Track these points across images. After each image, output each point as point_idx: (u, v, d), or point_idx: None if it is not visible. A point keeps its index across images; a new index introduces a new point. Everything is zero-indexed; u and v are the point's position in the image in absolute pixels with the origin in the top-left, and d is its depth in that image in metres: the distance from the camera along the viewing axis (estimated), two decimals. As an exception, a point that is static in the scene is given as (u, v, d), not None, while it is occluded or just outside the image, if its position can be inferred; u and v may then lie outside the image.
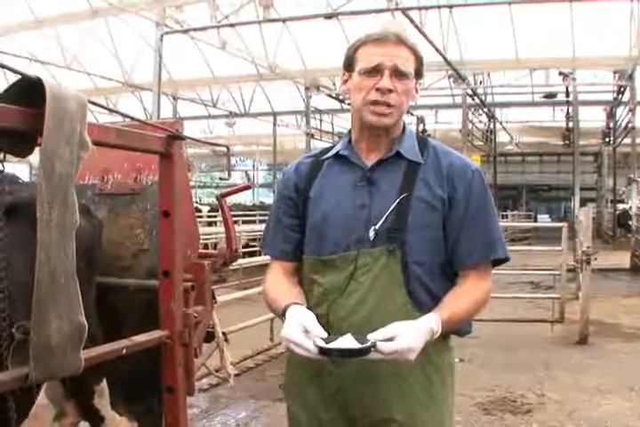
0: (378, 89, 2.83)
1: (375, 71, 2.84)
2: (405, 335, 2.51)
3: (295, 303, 2.82)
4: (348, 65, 3.00)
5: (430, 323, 2.63)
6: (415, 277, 2.86)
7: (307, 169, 3.13)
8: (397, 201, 2.85)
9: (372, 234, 2.85)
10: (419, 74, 2.92)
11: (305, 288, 3.07)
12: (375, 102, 2.86)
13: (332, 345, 2.51)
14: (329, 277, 2.93)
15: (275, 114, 41.64)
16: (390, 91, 2.83)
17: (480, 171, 3.00)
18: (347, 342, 2.53)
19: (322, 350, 2.52)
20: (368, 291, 2.86)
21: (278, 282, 3.10)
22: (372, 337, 2.52)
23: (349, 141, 3.08)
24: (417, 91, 2.95)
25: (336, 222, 2.94)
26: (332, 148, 3.17)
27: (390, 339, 2.51)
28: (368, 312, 2.85)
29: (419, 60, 2.90)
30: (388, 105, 2.86)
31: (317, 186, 3.05)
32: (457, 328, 2.91)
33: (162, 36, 22.89)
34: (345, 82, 3.01)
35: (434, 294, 2.88)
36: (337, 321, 2.88)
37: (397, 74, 2.83)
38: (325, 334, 2.60)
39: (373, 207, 2.89)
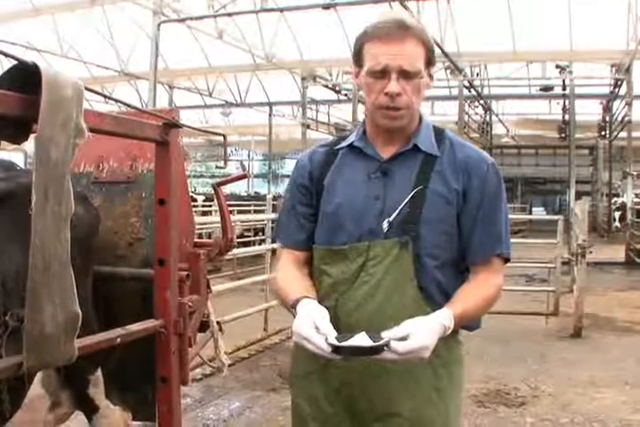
0: (386, 93, 2.78)
1: (382, 73, 2.78)
2: (419, 334, 2.49)
3: (306, 297, 2.78)
4: (356, 60, 2.91)
5: (443, 319, 2.60)
6: (427, 270, 2.83)
7: (321, 158, 3.09)
8: (412, 194, 2.82)
9: (385, 226, 2.82)
10: (430, 62, 2.85)
11: (314, 279, 3.03)
12: (385, 107, 2.82)
13: (346, 343, 2.48)
14: (339, 267, 2.90)
15: (271, 104, 41.58)
16: (399, 94, 2.78)
17: (495, 165, 2.97)
18: (360, 340, 2.48)
19: (335, 348, 2.48)
20: (378, 283, 2.83)
21: (290, 273, 3.05)
22: (385, 335, 2.47)
23: (364, 132, 3.04)
24: (432, 78, 2.90)
25: (349, 213, 2.90)
26: (345, 137, 3.13)
27: (404, 338, 2.47)
28: (378, 305, 2.83)
29: (428, 49, 2.82)
30: (399, 109, 2.82)
31: (331, 176, 3.01)
32: (467, 323, 2.89)
33: (159, 25, 22.80)
34: (356, 75, 2.94)
35: (444, 289, 2.86)
36: (345, 314, 2.85)
37: (405, 75, 2.76)
38: (335, 333, 2.55)
39: (387, 199, 2.86)
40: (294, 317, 2.70)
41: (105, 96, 3.04)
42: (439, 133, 2.99)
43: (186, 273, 3.51)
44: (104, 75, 32.56)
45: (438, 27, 25.61)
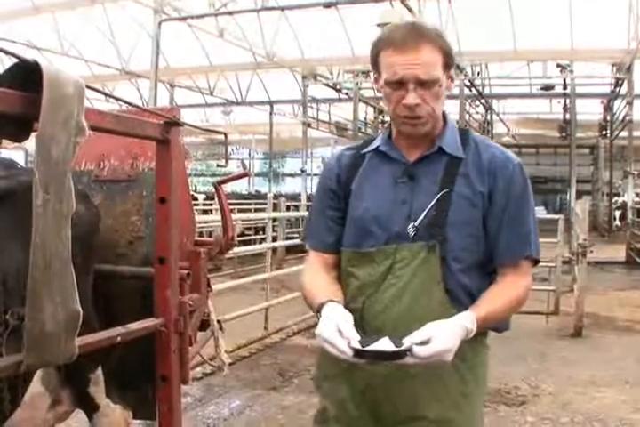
0: (404, 105, 2.78)
1: (399, 84, 2.77)
2: (441, 337, 2.48)
3: (332, 301, 2.78)
4: (374, 67, 2.90)
5: (465, 322, 2.60)
6: (453, 274, 2.83)
7: (348, 161, 3.09)
8: (438, 197, 2.82)
9: (411, 230, 2.83)
10: (448, 66, 2.81)
11: (342, 281, 3.03)
12: (404, 117, 2.82)
13: (368, 348, 2.47)
14: (366, 270, 2.91)
15: (271, 103, 41.60)
16: (418, 104, 2.77)
17: (521, 165, 2.94)
18: (383, 344, 2.47)
19: (357, 352, 2.48)
20: (405, 286, 2.83)
21: (317, 276, 3.06)
22: (408, 340, 2.47)
23: (389, 136, 3.04)
24: (452, 79, 2.87)
25: (376, 217, 2.90)
26: (372, 141, 3.12)
27: (426, 342, 2.47)
28: (404, 307, 2.82)
29: (445, 54, 2.78)
30: (419, 117, 2.82)
31: (359, 179, 3.02)
32: (493, 326, 2.89)
33: (160, 23, 22.80)
34: (376, 81, 2.93)
35: (471, 292, 2.85)
36: (371, 316, 2.86)
37: (422, 84, 2.75)
38: (358, 336, 2.54)
39: (414, 203, 2.86)
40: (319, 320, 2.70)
41: (106, 94, 3.03)
42: (464, 134, 2.99)
43: (186, 272, 3.50)
44: (105, 73, 32.56)
45: (439, 26, 25.60)
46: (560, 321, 11.57)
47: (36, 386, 3.21)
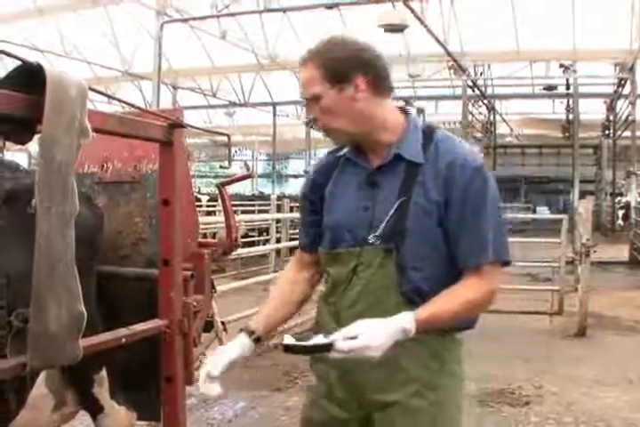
0: None
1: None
2: (368, 334, 2.56)
3: (244, 330, 3.04)
4: None
5: (401, 322, 2.64)
6: (411, 281, 2.87)
7: (324, 166, 3.16)
8: (395, 206, 2.85)
9: (372, 238, 2.88)
10: (336, 78, 2.81)
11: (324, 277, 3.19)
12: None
13: (295, 343, 2.63)
14: (337, 269, 3.01)
15: (274, 104, 41.60)
16: (314, 119, 2.89)
17: (481, 168, 2.90)
18: (316, 340, 2.61)
19: (286, 347, 2.64)
20: (366, 286, 2.92)
21: (285, 274, 3.34)
22: (337, 335, 2.57)
23: None
24: (357, 89, 2.82)
25: (345, 224, 2.98)
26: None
27: (354, 337, 2.55)
28: (366, 306, 2.90)
29: (328, 67, 2.81)
30: (324, 130, 2.92)
31: (332, 184, 3.08)
32: (444, 326, 2.88)
33: (162, 25, 22.82)
34: None
35: (429, 298, 2.84)
36: (343, 309, 2.97)
37: (311, 99, 2.86)
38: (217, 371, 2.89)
39: (376, 211, 2.90)
40: None
41: (108, 96, 3.05)
42: (428, 136, 2.96)
43: (190, 273, 3.51)
44: (107, 75, 32.59)
45: (442, 26, 25.60)
46: (564, 321, 11.55)
47: (40, 387, 3.22)
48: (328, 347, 2.55)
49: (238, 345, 2.97)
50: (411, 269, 2.86)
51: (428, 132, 2.97)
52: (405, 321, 2.64)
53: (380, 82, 2.86)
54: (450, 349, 3.04)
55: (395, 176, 2.90)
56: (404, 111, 3.01)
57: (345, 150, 3.07)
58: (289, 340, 2.63)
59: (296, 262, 3.33)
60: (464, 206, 2.83)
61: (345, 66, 2.80)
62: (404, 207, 2.84)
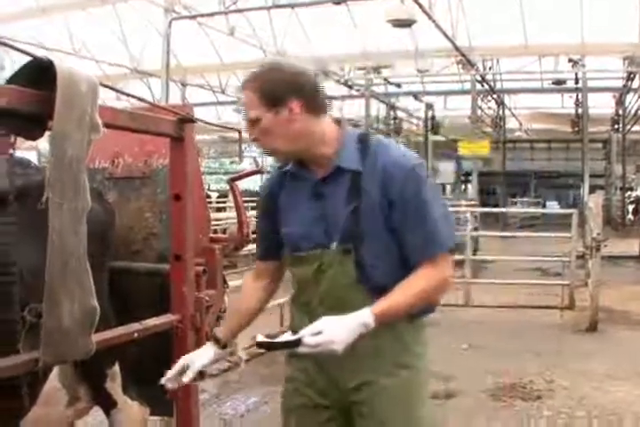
0: None
1: None
2: (330, 330, 2.75)
3: (215, 339, 3.28)
4: None
5: (361, 317, 2.82)
6: (371, 278, 3.02)
7: (276, 180, 3.27)
8: (347, 214, 2.99)
9: (330, 244, 3.03)
10: (273, 103, 2.93)
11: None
12: None
13: (264, 340, 2.83)
14: (301, 270, 3.15)
15: (283, 100, 41.50)
16: (255, 139, 3.01)
17: (417, 166, 3.04)
18: (285, 337, 2.83)
19: (258, 344, 2.84)
20: (332, 284, 3.06)
21: (243, 288, 3.47)
22: (303, 332, 2.76)
23: None
24: (292, 111, 2.94)
25: (300, 233, 3.13)
26: None
27: (318, 333, 2.74)
28: (335, 302, 3.03)
29: (264, 92, 2.94)
30: (265, 150, 3.07)
31: (285, 196, 3.21)
32: (403, 315, 3.02)
33: (170, 22, 22.80)
34: None
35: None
36: (315, 307, 3.11)
37: (251, 122, 2.97)
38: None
39: (329, 221, 3.06)
40: None
41: (118, 91, 3.05)
42: (364, 145, 3.09)
43: (202, 268, 3.52)
44: (116, 73, 32.56)
45: (450, 21, 25.54)
46: (575, 316, 11.54)
47: (52, 383, 3.23)
48: (297, 342, 2.74)
49: (205, 353, 3.23)
50: (369, 267, 3.02)
51: (364, 140, 3.11)
52: (364, 316, 2.82)
53: (314, 103, 2.99)
54: (414, 332, 3.19)
55: (340, 186, 3.04)
56: (338, 123, 3.13)
57: (289, 166, 3.17)
58: (261, 338, 2.82)
59: (254, 271, 3.48)
60: (405, 205, 2.98)
61: (280, 90, 2.92)
62: (355, 213, 2.99)
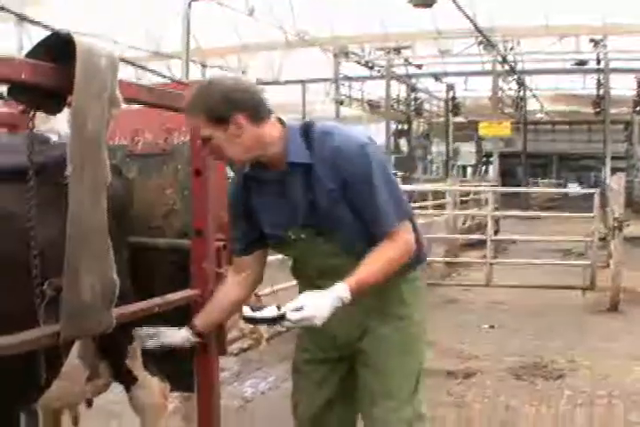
0: None
1: None
2: (310, 306, 2.96)
3: (190, 326, 3.34)
4: None
5: (337, 292, 3.02)
6: (350, 256, 3.20)
7: (241, 183, 3.36)
8: (307, 207, 3.19)
9: (303, 235, 3.25)
10: (219, 121, 3.01)
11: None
12: None
13: (254, 314, 3.00)
14: (289, 251, 3.45)
15: (303, 82, 41.47)
16: (212, 152, 3.14)
17: (365, 146, 3.16)
18: (268, 311, 2.97)
19: (245, 318, 3.05)
20: (321, 258, 3.30)
21: (225, 281, 3.50)
22: (285, 308, 2.96)
23: None
24: (239, 126, 3.03)
25: (276, 229, 3.30)
26: None
27: (299, 308, 2.95)
28: (332, 271, 3.21)
29: (207, 113, 3.00)
30: (223, 161, 3.30)
31: (255, 198, 3.32)
32: (377, 285, 3.18)
33: (190, 3, 22.78)
34: None
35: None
36: (314, 278, 3.32)
37: (204, 139, 3.07)
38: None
39: (291, 214, 3.23)
40: None
41: (139, 66, 3.05)
42: (308, 137, 3.20)
43: (223, 243, 3.52)
44: (136, 55, 32.57)
45: (471, 1, 25.43)
46: (596, 296, 11.48)
47: (73, 359, 3.24)
48: (281, 317, 2.94)
49: (178, 334, 3.32)
50: (345, 251, 3.23)
51: (307, 131, 3.22)
52: (340, 290, 3.03)
53: (256, 111, 3.07)
54: (405, 285, 3.44)
55: (297, 180, 3.19)
56: (280, 121, 3.21)
57: (247, 169, 3.27)
58: (248, 312, 3.01)
59: (233, 266, 3.53)
60: (354, 185, 3.14)
61: (222, 109, 3.01)
62: (316, 205, 3.17)
